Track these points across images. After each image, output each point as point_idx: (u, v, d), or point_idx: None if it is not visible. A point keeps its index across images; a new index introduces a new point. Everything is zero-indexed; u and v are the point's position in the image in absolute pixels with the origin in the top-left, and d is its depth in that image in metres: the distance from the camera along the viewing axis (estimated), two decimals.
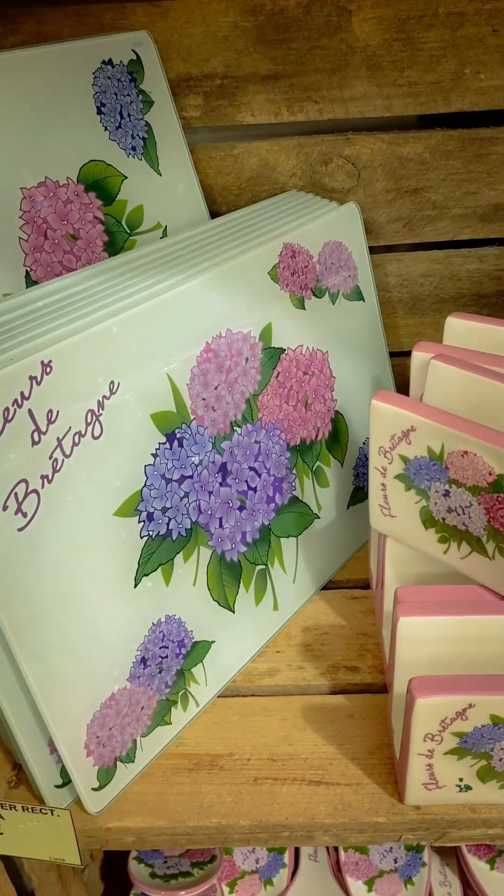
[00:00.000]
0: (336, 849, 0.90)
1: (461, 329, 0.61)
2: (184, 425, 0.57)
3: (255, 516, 0.63)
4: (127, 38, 0.66)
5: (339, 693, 0.62)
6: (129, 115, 0.66)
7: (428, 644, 0.52)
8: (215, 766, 0.57)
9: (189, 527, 0.58)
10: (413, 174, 0.74)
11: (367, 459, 0.74)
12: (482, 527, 0.51)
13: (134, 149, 0.66)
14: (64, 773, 0.53)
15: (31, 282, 0.60)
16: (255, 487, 0.63)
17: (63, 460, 0.49)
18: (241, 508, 0.61)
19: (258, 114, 0.72)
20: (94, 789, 0.53)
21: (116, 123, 0.65)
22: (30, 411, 0.47)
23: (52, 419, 0.48)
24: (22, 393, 0.46)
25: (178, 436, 0.56)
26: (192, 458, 0.57)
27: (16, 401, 0.46)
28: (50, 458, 0.48)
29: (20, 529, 0.47)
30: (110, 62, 0.64)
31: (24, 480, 0.47)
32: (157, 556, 0.56)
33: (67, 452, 0.49)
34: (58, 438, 0.48)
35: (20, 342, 0.48)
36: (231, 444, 0.60)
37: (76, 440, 0.50)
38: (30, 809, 0.50)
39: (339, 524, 0.72)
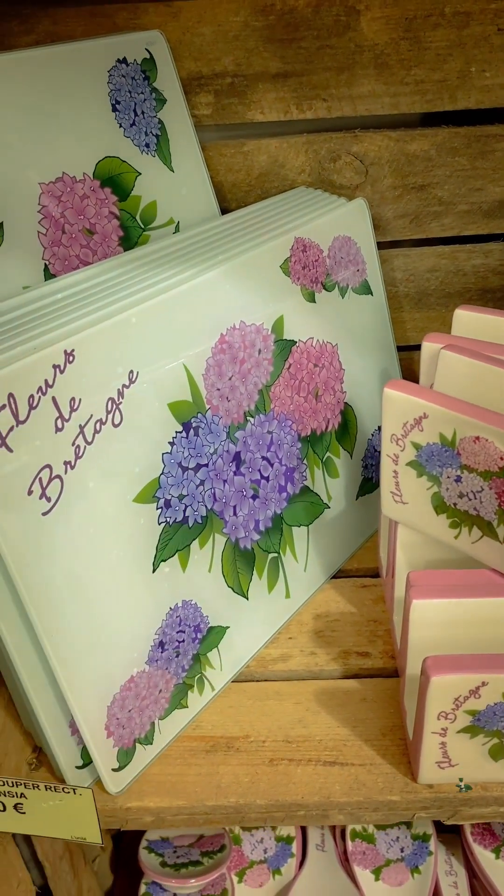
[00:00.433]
0: (343, 838, 0.91)
1: (469, 320, 0.63)
2: (199, 415, 0.58)
3: (267, 505, 0.64)
4: (140, 37, 0.67)
5: (352, 678, 0.63)
6: (142, 113, 0.67)
7: (440, 626, 0.53)
8: (231, 748, 0.58)
9: (205, 514, 0.59)
10: (420, 171, 0.75)
11: (375, 451, 0.76)
12: (493, 511, 0.53)
13: (147, 145, 0.68)
14: (84, 753, 0.55)
15: (49, 275, 0.61)
16: (268, 476, 0.64)
17: (85, 447, 0.50)
18: (254, 497, 0.63)
19: (268, 112, 0.73)
20: (114, 770, 0.54)
21: (131, 121, 0.66)
22: (53, 399, 0.48)
23: (75, 407, 0.49)
24: (46, 381, 0.47)
25: (193, 425, 0.57)
26: (208, 447, 0.58)
27: (40, 388, 0.47)
28: (73, 444, 0.49)
29: (44, 514, 0.48)
30: (125, 61, 0.66)
31: (48, 466, 0.48)
32: (174, 542, 0.57)
33: (89, 439, 0.50)
34: (80, 426, 0.50)
35: (43, 332, 0.50)
36: (245, 434, 0.61)
37: (97, 427, 0.51)
38: (52, 788, 0.51)
39: (348, 514, 0.73)
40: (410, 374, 0.81)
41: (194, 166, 0.72)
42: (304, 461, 0.68)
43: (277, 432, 0.64)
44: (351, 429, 0.73)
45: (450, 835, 0.94)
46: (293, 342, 0.65)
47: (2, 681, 0.57)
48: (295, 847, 0.93)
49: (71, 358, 0.49)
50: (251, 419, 0.62)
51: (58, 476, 0.49)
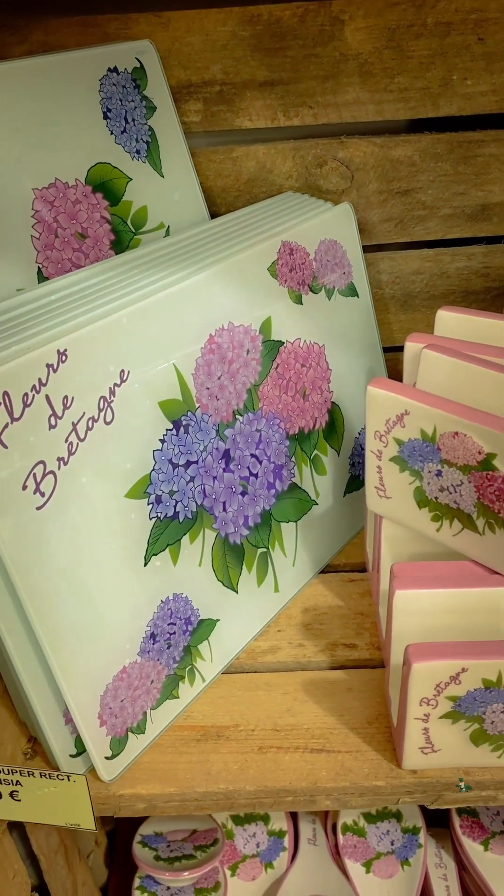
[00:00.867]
0: (335, 832, 0.93)
1: (451, 321, 0.65)
2: (189, 413, 0.60)
3: (256, 501, 0.66)
4: (131, 46, 0.69)
5: (338, 668, 0.65)
6: (133, 120, 0.69)
7: (422, 616, 0.55)
8: (222, 736, 0.59)
9: (195, 510, 0.60)
10: (404, 176, 0.77)
11: (362, 449, 0.78)
12: (472, 504, 0.54)
13: (138, 152, 0.70)
14: (78, 742, 0.56)
15: (42, 278, 0.63)
16: (257, 473, 0.66)
17: (78, 444, 0.52)
18: (243, 493, 0.64)
19: (255, 119, 0.75)
20: (107, 758, 0.56)
21: (122, 128, 0.68)
22: (47, 397, 0.50)
23: (68, 405, 0.51)
24: (40, 379, 0.49)
25: (183, 423, 0.59)
26: (197, 445, 0.60)
27: (34, 387, 0.49)
28: (66, 441, 0.51)
29: (38, 508, 0.50)
30: (115, 69, 0.68)
31: (42, 462, 0.50)
32: (164, 536, 0.58)
33: (82, 436, 0.52)
34: (73, 423, 0.51)
35: (37, 332, 0.51)
36: (233, 432, 0.63)
37: (90, 425, 0.52)
38: (47, 776, 0.53)
39: (336, 511, 0.75)
40: (397, 374, 0.83)
41: (184, 172, 0.74)
42: (293, 459, 0.69)
43: (266, 430, 0.66)
44: (338, 427, 0.74)
45: (440, 828, 0.95)
46: (281, 343, 0.67)
47: None
48: (287, 841, 0.94)
49: (64, 357, 0.50)
50: (240, 417, 0.64)
51: (51, 472, 0.50)
